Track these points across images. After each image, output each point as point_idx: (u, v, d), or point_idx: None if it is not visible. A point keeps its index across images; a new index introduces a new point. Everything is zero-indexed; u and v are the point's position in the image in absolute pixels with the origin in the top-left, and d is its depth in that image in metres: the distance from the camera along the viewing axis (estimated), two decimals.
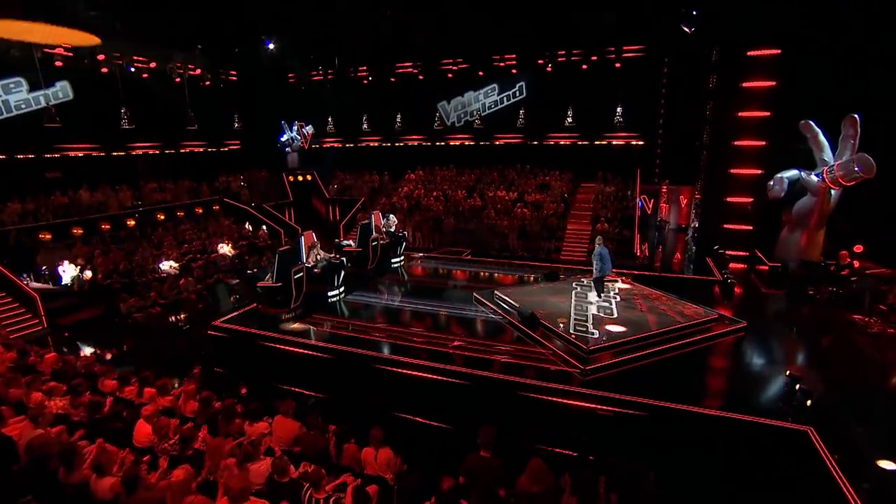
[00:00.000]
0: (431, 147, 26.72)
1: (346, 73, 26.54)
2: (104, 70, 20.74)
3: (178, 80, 23.40)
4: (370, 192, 24.96)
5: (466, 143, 25.86)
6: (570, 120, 23.08)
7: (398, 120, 26.14)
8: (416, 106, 25.62)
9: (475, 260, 18.64)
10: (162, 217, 19.82)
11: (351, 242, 16.90)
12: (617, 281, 14.41)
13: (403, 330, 11.67)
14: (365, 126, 27.07)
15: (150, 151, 23.76)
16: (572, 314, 11.77)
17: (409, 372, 9.71)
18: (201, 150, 26.09)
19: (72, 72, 20.09)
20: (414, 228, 22.03)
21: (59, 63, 19.43)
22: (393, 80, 26.00)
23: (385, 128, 26.93)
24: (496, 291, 13.50)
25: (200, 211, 21.27)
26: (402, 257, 18.23)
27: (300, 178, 26.95)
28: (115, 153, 22.41)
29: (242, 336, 11.67)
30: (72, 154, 20.96)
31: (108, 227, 18.09)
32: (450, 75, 24.95)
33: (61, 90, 20.25)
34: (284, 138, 27.59)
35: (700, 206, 19.16)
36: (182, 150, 25.14)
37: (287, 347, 10.99)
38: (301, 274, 13.41)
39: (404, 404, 9.49)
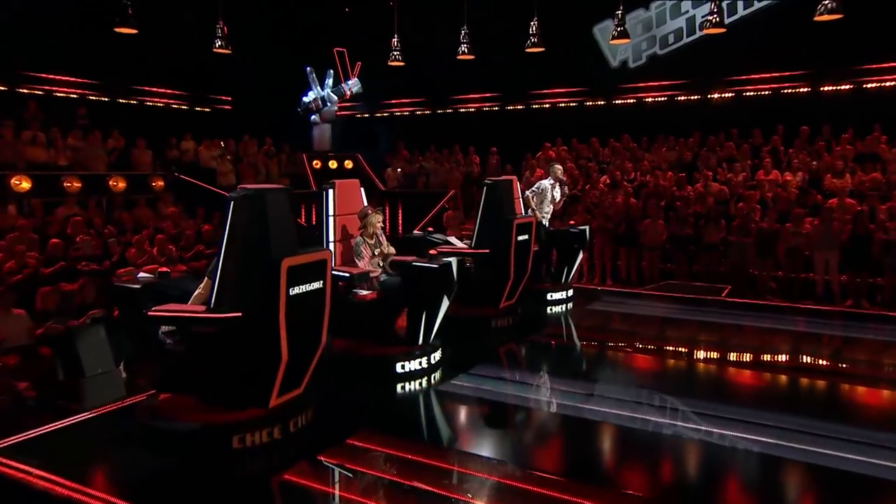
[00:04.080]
0: (581, 106, 17.71)
1: None
2: None
3: None
4: (464, 182, 15.99)
5: (657, 96, 16.58)
6: None
7: (520, 59, 16.83)
8: (554, 38, 16.48)
9: (750, 305, 8.83)
10: (28, 186, 11.06)
11: (455, 240, 8.16)
12: None
13: None
14: (459, 73, 17.92)
15: (75, 92, 16.05)
16: None
17: None
18: (173, 104, 18.76)
19: None
20: None
21: None
22: None
23: (496, 79, 17.97)
24: None
25: (122, 187, 12.73)
26: (571, 290, 9.11)
27: (332, 164, 18.53)
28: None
29: None
30: None
31: None
32: None
33: None
34: (310, 97, 18.77)
35: None
36: (135, 100, 17.68)
37: None
38: (317, 286, 4.09)
39: None
